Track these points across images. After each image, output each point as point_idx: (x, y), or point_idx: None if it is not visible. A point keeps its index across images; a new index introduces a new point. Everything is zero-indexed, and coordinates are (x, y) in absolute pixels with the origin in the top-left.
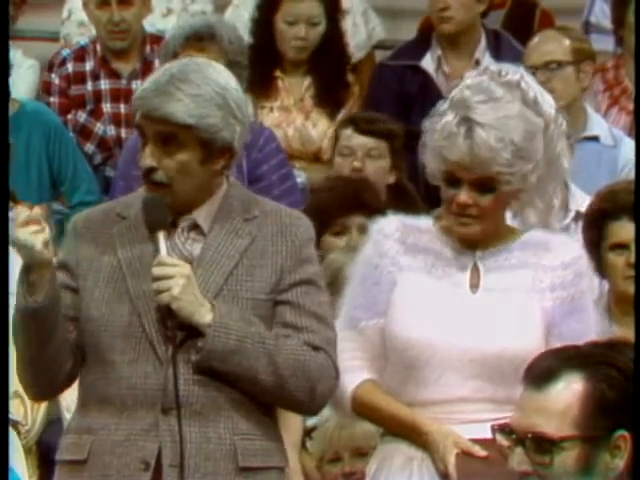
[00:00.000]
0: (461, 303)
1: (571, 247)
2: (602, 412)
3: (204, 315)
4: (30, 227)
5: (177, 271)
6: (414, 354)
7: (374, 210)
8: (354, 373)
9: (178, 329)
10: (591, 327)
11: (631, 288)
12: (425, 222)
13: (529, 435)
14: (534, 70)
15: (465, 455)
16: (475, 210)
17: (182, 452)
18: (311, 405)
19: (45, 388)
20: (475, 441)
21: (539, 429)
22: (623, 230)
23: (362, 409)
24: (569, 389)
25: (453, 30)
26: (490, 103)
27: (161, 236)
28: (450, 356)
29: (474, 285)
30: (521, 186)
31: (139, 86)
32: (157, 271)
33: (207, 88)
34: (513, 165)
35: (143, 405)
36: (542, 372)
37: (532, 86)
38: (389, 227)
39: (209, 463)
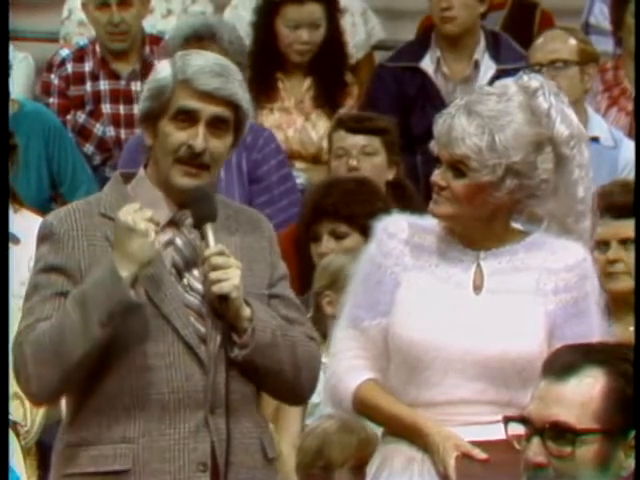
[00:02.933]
0: (464, 304)
1: (575, 250)
2: (622, 408)
3: (246, 308)
4: (142, 213)
5: (234, 262)
6: (417, 355)
7: (338, 213)
8: (356, 372)
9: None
10: (595, 330)
11: (613, 284)
12: (429, 222)
13: (548, 425)
14: (539, 67)
15: (465, 457)
16: (447, 193)
17: (230, 449)
18: (309, 395)
19: (61, 392)
20: (476, 443)
21: (560, 418)
22: (604, 228)
23: (363, 408)
24: (590, 382)
25: (456, 30)
26: (495, 96)
27: (209, 228)
28: (452, 358)
29: (477, 286)
30: (490, 177)
31: (139, 87)
32: (219, 260)
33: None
34: (481, 153)
35: (187, 407)
36: (563, 364)
37: (550, 100)
38: (394, 226)
39: (248, 457)
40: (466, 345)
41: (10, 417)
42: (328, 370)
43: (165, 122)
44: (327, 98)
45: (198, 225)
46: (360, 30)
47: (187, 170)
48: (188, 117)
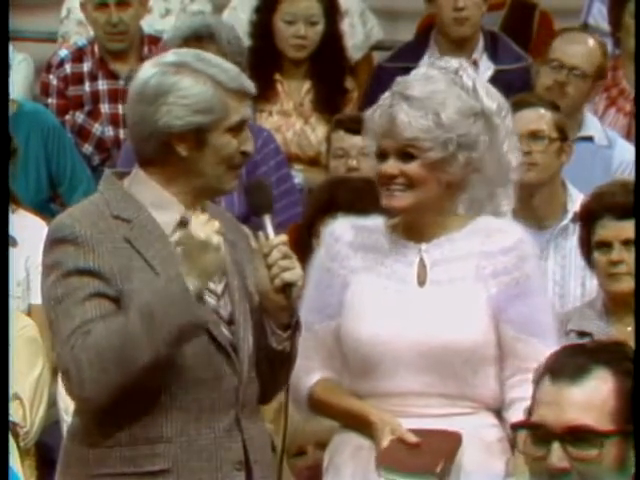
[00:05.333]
0: (409, 298)
1: (512, 232)
2: (630, 406)
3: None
4: (212, 225)
5: (293, 253)
6: (366, 352)
7: (349, 209)
8: (309, 374)
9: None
10: (540, 309)
11: (616, 285)
12: (374, 221)
13: (568, 430)
14: (561, 64)
15: (399, 442)
16: (402, 179)
17: (257, 448)
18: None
19: (117, 396)
20: (414, 431)
21: (580, 422)
22: (606, 229)
23: (317, 407)
24: (601, 383)
25: (468, 31)
26: (421, 81)
27: (267, 219)
28: (400, 352)
29: (421, 279)
30: (443, 154)
31: None
32: (285, 250)
33: None
34: (431, 131)
35: (220, 407)
36: (573, 367)
37: (472, 76)
38: (339, 230)
39: (266, 455)
40: (412, 339)
41: (10, 418)
42: None
43: (219, 134)
44: (327, 104)
45: (256, 215)
46: (359, 31)
47: (237, 174)
48: (240, 125)
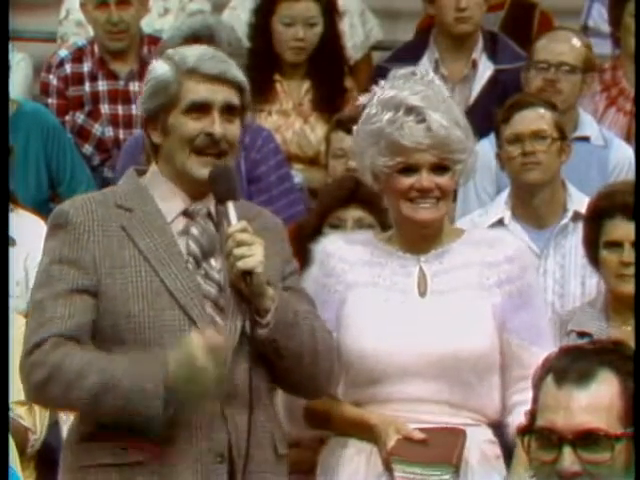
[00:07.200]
0: (411, 309)
1: (512, 242)
2: (634, 407)
3: (268, 288)
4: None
5: (257, 238)
6: (370, 365)
7: (370, 204)
8: None
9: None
10: (540, 317)
11: (624, 287)
12: (364, 235)
13: (579, 434)
14: (546, 65)
15: (405, 440)
16: (437, 192)
17: (245, 441)
18: (326, 387)
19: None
20: (419, 428)
21: (592, 426)
22: (617, 228)
23: (314, 420)
24: (607, 386)
25: (470, 30)
26: (421, 93)
27: (230, 205)
28: (407, 362)
29: (422, 290)
30: (468, 164)
31: (137, 87)
32: (243, 236)
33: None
34: (463, 142)
35: None
36: (578, 371)
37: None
38: (331, 246)
39: (260, 452)
40: (418, 348)
41: (23, 422)
42: None
43: (176, 115)
44: (327, 104)
45: (220, 202)
46: (358, 31)
47: (206, 161)
48: (201, 108)
